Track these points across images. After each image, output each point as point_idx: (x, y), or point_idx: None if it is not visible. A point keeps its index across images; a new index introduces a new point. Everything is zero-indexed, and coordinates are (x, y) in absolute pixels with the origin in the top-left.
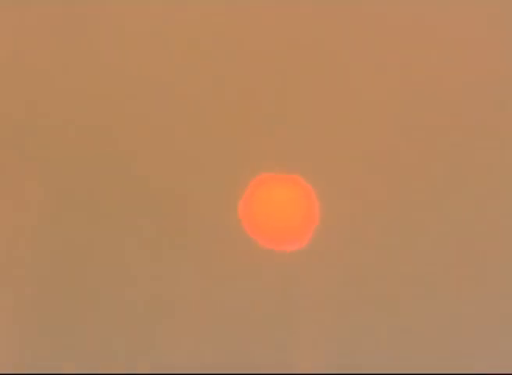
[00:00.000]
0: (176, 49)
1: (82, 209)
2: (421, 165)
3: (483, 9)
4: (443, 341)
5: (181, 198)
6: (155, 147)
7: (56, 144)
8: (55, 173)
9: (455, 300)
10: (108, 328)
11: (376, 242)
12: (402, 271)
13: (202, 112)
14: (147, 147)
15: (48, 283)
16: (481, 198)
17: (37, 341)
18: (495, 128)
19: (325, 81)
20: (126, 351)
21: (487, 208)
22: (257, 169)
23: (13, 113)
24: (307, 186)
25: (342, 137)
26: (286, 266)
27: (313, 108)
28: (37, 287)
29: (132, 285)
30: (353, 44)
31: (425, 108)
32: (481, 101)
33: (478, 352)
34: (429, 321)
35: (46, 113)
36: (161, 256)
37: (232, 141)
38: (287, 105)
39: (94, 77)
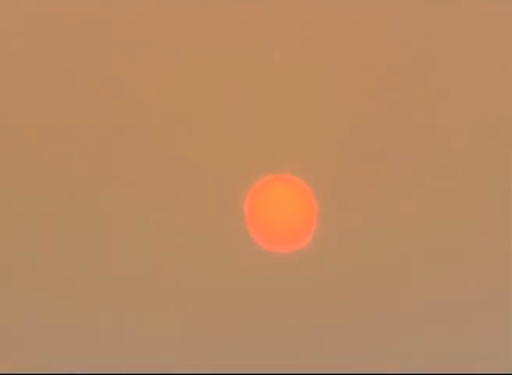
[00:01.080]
0: (175, 51)
1: (86, 209)
2: (422, 163)
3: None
4: (443, 344)
5: (182, 200)
6: (156, 148)
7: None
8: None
9: (456, 300)
10: (105, 324)
11: (376, 243)
12: (402, 271)
13: (202, 113)
14: (147, 148)
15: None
16: (482, 198)
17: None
18: (491, 126)
19: (325, 82)
20: (122, 347)
21: (487, 210)
22: (259, 171)
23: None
24: (306, 187)
25: (342, 138)
26: (288, 267)
27: (313, 110)
28: None
29: (133, 283)
30: (352, 44)
31: (426, 106)
32: (478, 100)
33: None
34: (428, 320)
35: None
36: (162, 258)
37: (233, 142)
38: (288, 107)
39: (90, 79)
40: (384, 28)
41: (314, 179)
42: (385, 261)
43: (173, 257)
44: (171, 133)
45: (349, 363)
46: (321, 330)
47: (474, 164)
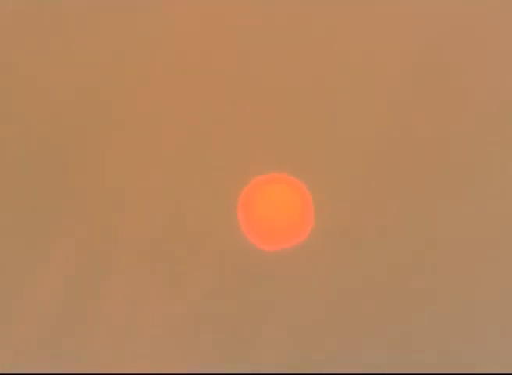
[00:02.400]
0: (174, 50)
1: (86, 206)
2: (417, 166)
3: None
4: (441, 346)
5: (181, 199)
6: (155, 148)
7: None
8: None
9: (455, 304)
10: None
11: (371, 243)
12: (398, 272)
13: (200, 114)
14: (147, 147)
15: None
16: (481, 203)
17: None
18: (494, 133)
19: (324, 83)
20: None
21: (489, 214)
22: (254, 170)
23: None
24: (302, 187)
25: (338, 139)
26: (282, 265)
27: (310, 111)
28: None
29: (131, 284)
30: (352, 46)
31: (424, 111)
32: (480, 106)
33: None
34: (427, 324)
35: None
36: (160, 257)
37: (230, 143)
38: (285, 108)
39: (90, 76)
40: (391, 37)
41: (311, 179)
42: (383, 260)
43: (170, 255)
44: (171, 133)
45: (349, 362)
46: (319, 327)
47: (472, 165)
